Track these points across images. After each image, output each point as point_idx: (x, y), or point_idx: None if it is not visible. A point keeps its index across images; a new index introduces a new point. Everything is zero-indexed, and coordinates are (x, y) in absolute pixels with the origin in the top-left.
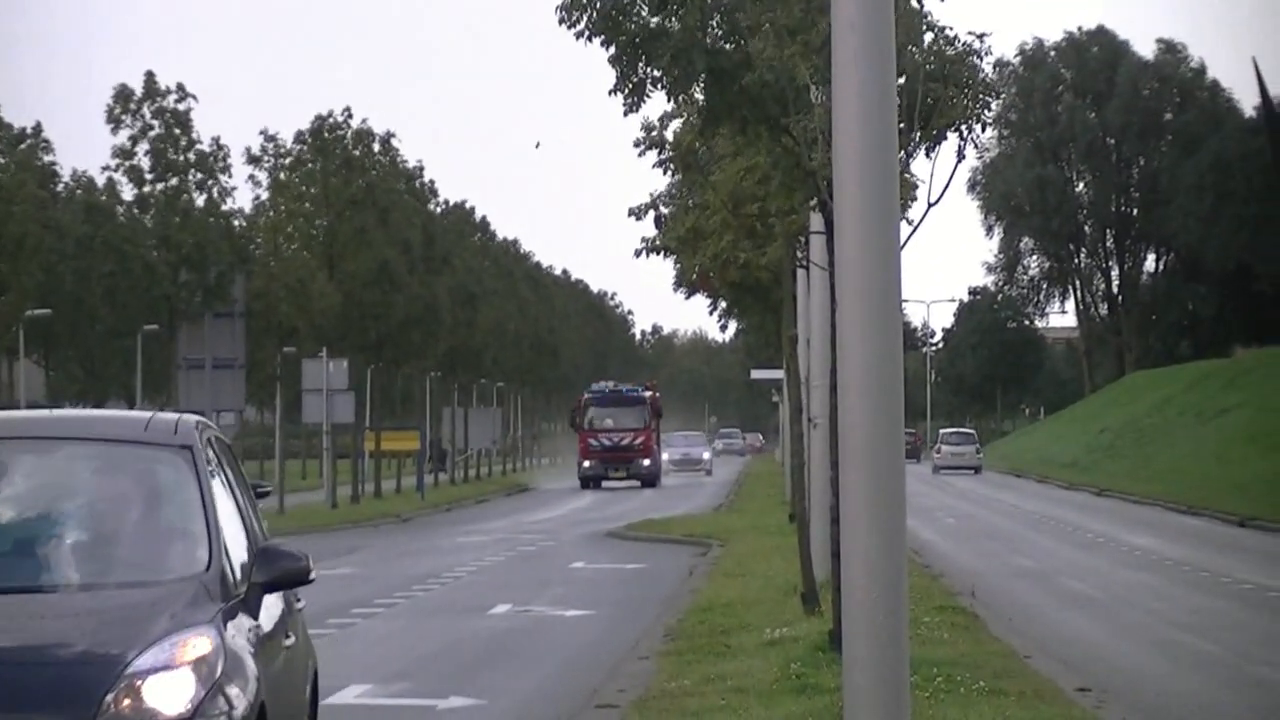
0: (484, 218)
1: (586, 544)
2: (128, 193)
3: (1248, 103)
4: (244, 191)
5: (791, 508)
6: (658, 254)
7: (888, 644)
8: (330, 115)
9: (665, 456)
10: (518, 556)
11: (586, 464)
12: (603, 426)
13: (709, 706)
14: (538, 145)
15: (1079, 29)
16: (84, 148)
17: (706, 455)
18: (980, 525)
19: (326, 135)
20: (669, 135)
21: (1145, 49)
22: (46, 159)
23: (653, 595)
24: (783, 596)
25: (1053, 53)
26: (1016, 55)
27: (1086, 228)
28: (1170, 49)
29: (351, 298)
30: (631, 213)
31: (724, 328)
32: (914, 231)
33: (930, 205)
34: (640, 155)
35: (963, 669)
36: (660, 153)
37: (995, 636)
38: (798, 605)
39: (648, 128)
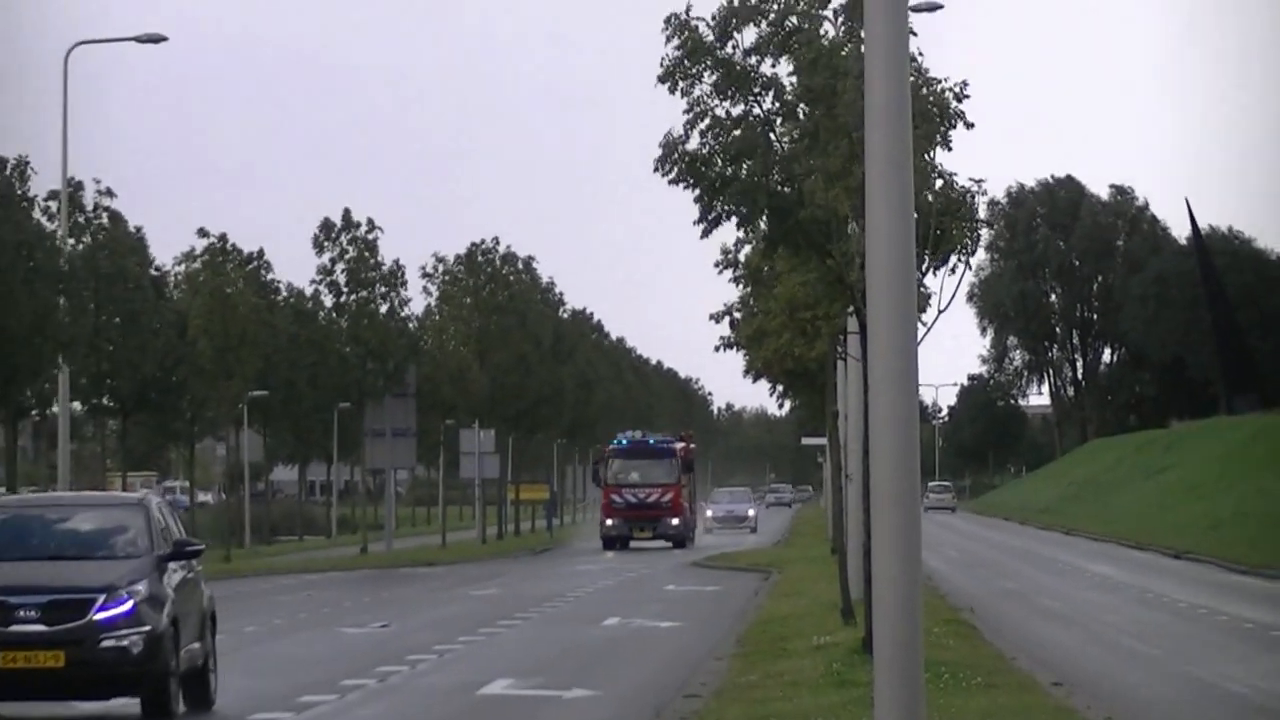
0: (599, 321)
1: (676, 572)
2: (328, 301)
3: (1180, 233)
4: (419, 299)
5: (833, 544)
6: (732, 349)
7: (907, 648)
8: (483, 242)
9: (709, 513)
10: (623, 581)
11: (609, 522)
12: (627, 481)
13: (770, 696)
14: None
15: (1051, 176)
16: (292, 265)
17: (751, 512)
18: (975, 557)
19: (480, 258)
20: (741, 257)
21: (1102, 191)
22: (269, 276)
23: (727, 610)
24: (826, 612)
25: (1031, 194)
26: (1004, 196)
27: (1057, 329)
28: (1121, 191)
29: (497, 382)
30: (712, 317)
31: (781, 405)
32: (928, 331)
33: (940, 312)
34: (720, 273)
35: (964, 668)
36: (734, 271)
37: (989, 643)
38: (838, 619)
39: (724, 251)
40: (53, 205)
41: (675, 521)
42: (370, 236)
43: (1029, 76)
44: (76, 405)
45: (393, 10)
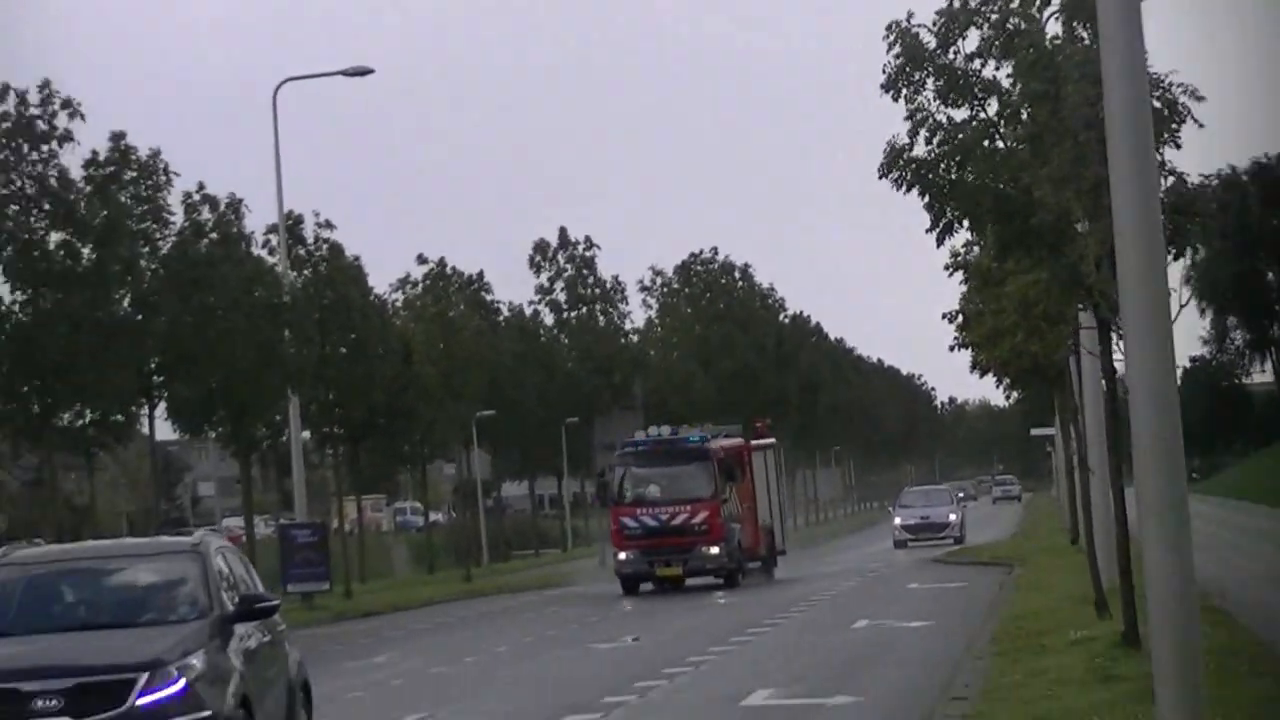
0: (817, 324)
1: (916, 569)
2: (549, 319)
3: None
4: (638, 313)
5: (1071, 534)
6: (965, 349)
7: (1184, 637)
8: (701, 252)
9: (897, 520)
10: (866, 581)
11: (623, 556)
12: (644, 497)
13: (1039, 695)
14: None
15: (1265, 155)
16: (508, 285)
17: (953, 517)
18: (1215, 539)
19: (697, 268)
20: (970, 259)
21: None
22: (489, 297)
23: (975, 607)
24: (1076, 605)
25: (1244, 176)
26: (1216, 178)
27: (1276, 308)
28: None
29: (722, 390)
30: (945, 316)
31: (1008, 397)
32: (1171, 324)
33: (1182, 306)
34: (950, 275)
35: (1226, 655)
36: (965, 273)
37: (1246, 628)
38: (1091, 612)
39: (954, 254)
40: (273, 239)
41: (714, 551)
42: (588, 254)
43: (1233, 56)
44: (307, 434)
45: (597, 27)
